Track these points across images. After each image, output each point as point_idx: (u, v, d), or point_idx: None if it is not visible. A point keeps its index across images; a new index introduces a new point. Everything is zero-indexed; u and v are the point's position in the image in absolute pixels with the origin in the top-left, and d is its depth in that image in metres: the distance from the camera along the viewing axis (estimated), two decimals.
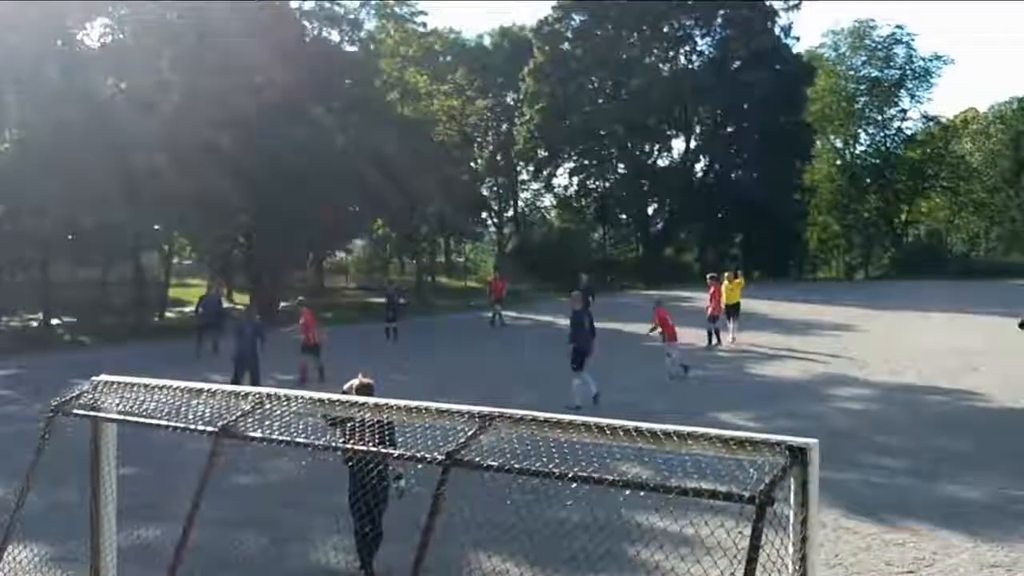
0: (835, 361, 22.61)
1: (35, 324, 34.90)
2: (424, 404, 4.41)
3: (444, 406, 4.41)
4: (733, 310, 26.51)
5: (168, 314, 39.38)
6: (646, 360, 22.24)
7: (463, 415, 4.23)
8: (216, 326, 26.36)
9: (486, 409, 4.21)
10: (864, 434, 14.35)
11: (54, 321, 34.95)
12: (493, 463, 3.97)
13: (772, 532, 3.55)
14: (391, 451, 4.28)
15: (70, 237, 33.31)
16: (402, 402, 4.42)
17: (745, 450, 3.66)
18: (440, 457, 4.05)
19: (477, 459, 4.02)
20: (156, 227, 40.46)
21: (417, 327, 30.16)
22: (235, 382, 17.39)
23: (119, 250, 37.43)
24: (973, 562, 8.63)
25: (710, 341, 25.78)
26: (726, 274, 27.31)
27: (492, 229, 71.20)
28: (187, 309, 38.86)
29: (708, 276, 27.59)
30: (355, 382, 8.56)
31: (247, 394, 4.85)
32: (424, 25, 48.05)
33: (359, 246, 61.38)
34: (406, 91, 46.01)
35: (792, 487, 3.61)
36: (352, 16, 42.64)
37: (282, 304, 39.41)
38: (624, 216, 65.61)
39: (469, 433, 4.13)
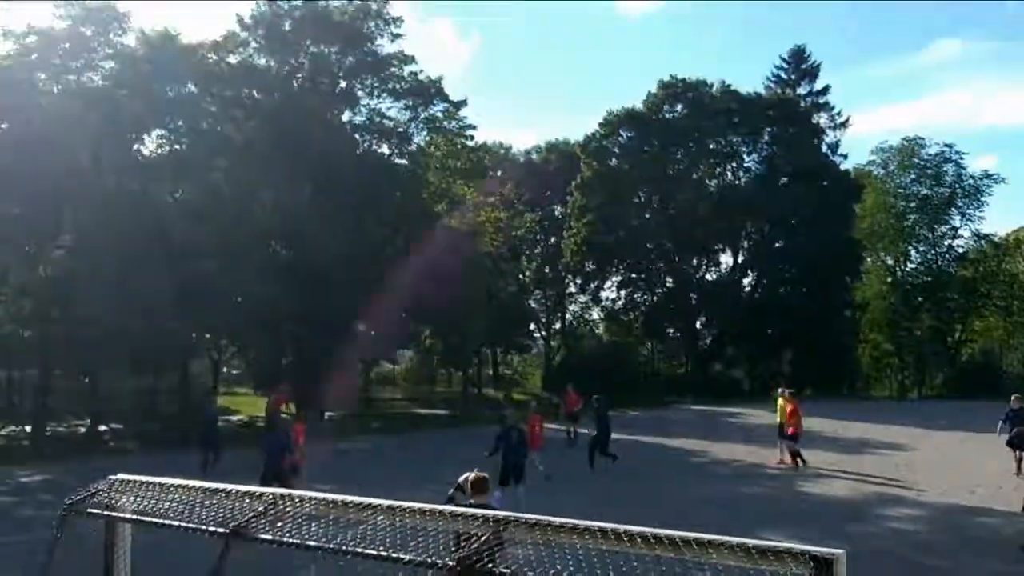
0: (885, 481, 22.05)
1: (82, 430, 35.10)
2: (438, 507, 4.30)
3: (459, 509, 4.30)
4: (781, 429, 25.63)
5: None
6: (691, 476, 21.80)
7: (478, 519, 4.11)
8: (211, 439, 25.18)
9: (500, 513, 4.08)
10: (909, 555, 13.92)
11: (101, 428, 35.12)
12: (506, 570, 3.82)
13: None
14: (402, 556, 4.13)
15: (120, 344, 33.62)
16: (416, 505, 4.31)
17: (768, 560, 3.48)
18: (451, 563, 3.91)
19: (489, 566, 3.87)
20: (207, 335, 41.03)
21: (469, 436, 29.38)
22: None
23: (169, 357, 37.84)
24: None
25: (801, 461, 24.48)
26: (780, 390, 26.58)
27: (540, 341, 71.24)
28: (234, 418, 38.96)
29: (788, 391, 26.04)
30: (471, 475, 8.68)
31: (261, 494, 4.78)
32: (472, 139, 48.75)
33: (406, 356, 61.67)
34: (453, 202, 46.54)
35: None
36: (402, 130, 43.54)
37: (327, 415, 39.47)
38: (672, 330, 65.23)
39: (482, 538, 3.99)
